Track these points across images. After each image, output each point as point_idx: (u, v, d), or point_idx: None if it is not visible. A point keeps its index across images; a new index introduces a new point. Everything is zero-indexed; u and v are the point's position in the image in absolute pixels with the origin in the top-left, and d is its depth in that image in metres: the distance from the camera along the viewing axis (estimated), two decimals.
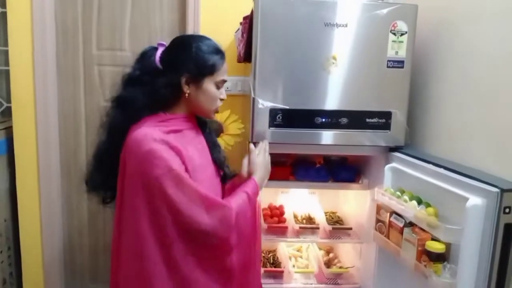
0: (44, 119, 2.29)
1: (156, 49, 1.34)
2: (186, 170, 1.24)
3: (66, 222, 2.48)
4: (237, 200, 1.28)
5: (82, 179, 1.43)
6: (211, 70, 1.31)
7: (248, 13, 1.81)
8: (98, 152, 1.37)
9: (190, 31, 2.25)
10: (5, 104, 2.49)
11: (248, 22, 1.79)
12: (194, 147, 1.36)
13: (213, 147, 1.49)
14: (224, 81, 1.38)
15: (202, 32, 2.19)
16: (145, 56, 1.35)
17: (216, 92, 1.35)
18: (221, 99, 1.39)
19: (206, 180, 1.35)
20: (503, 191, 1.21)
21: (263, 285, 1.56)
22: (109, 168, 1.32)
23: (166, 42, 1.37)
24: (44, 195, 2.35)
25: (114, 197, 1.33)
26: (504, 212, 1.21)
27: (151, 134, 1.20)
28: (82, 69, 2.37)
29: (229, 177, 1.52)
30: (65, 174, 2.43)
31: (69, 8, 2.32)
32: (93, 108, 2.41)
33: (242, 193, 1.31)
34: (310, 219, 2.21)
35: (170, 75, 1.29)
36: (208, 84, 1.33)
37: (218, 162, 1.49)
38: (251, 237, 1.37)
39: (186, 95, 1.31)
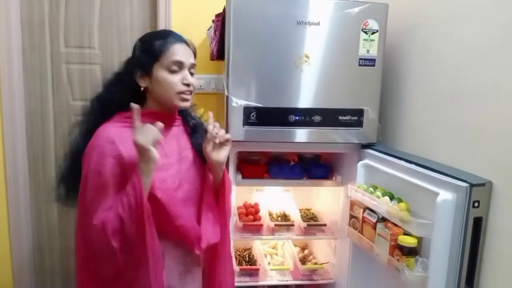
0: (11, 119, 2.22)
1: None
2: (124, 170, 1.19)
3: (35, 225, 2.41)
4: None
5: (50, 179, 1.38)
6: (155, 55, 1.26)
7: (221, 10, 1.80)
8: (72, 153, 1.33)
9: (161, 28, 2.21)
10: None
11: (221, 20, 1.78)
12: (160, 146, 1.28)
13: (192, 136, 1.41)
14: (178, 62, 1.26)
15: (173, 29, 2.15)
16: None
17: (169, 78, 1.26)
18: (184, 84, 1.27)
19: (170, 178, 1.28)
20: (472, 185, 1.25)
21: (239, 284, 1.55)
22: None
23: (136, 39, 1.34)
24: (11, 196, 2.27)
25: None
26: (473, 206, 1.25)
27: (103, 129, 1.23)
28: (50, 67, 2.31)
29: None
30: (33, 175, 2.36)
31: (36, 4, 2.24)
32: (61, 107, 2.35)
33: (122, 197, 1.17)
34: (285, 217, 2.22)
35: (124, 75, 1.31)
36: (159, 72, 1.27)
37: (197, 149, 1.38)
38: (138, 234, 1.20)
39: (142, 89, 1.29)
